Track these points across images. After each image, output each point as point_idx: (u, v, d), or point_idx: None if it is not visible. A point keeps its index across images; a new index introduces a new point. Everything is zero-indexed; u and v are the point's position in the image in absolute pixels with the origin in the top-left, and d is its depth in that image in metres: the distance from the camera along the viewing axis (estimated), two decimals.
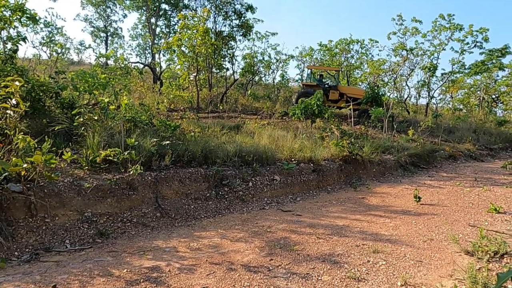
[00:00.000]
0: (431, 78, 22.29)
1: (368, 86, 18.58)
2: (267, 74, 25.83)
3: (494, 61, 23.11)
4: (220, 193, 6.00)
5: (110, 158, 5.17)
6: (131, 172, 5.09)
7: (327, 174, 7.69)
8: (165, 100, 13.68)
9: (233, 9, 18.63)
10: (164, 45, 14.99)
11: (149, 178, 5.40)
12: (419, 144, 10.81)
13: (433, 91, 23.09)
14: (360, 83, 26.64)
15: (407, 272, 3.43)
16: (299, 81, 26.16)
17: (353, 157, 8.39)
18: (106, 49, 29.95)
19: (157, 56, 23.52)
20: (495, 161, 12.14)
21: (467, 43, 20.60)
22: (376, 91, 15.11)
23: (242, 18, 18.99)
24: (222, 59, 19.25)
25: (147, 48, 31.34)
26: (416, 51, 21.76)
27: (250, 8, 18.83)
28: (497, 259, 3.60)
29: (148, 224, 4.88)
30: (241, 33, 19.64)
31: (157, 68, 21.17)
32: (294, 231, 4.68)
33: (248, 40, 21.73)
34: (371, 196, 6.87)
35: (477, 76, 26.11)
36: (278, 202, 6.31)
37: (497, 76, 27.29)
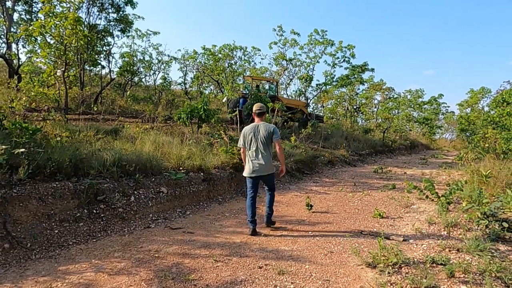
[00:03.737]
0: (307, 87, 23.92)
1: (249, 93, 18.90)
2: (148, 75, 24.38)
3: (356, 76, 26.08)
4: (95, 211, 4.96)
5: None
6: None
7: (218, 183, 7.21)
8: (24, 98, 11.41)
9: (110, 1, 16.87)
10: (23, 31, 12.54)
11: None
12: (303, 150, 11.19)
13: (309, 100, 24.77)
14: (243, 90, 27.13)
15: None
16: (181, 84, 25.28)
17: (243, 164, 8.09)
18: None
19: (14, 46, 19.92)
20: (365, 165, 13.41)
21: (338, 58, 22.71)
22: (260, 97, 15.34)
23: (121, 12, 17.35)
24: (96, 55, 17.23)
25: (1, 36, 26.48)
26: (294, 62, 23.09)
27: (129, 2, 17.32)
28: (397, 269, 3.58)
29: None
30: (119, 29, 17.94)
31: (14, 60, 17.85)
32: (188, 254, 4.04)
33: (128, 37, 20.10)
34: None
35: (343, 89, 29.22)
36: (165, 218, 5.55)
37: (358, 89, 31.04)
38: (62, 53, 11.79)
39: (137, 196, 5.57)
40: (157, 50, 22.58)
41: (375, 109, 33.72)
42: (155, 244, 4.31)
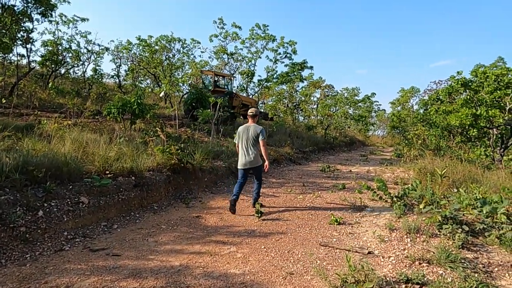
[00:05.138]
0: (249, 83, 23.32)
1: (189, 87, 17.95)
2: (76, 66, 22.05)
3: (295, 73, 26.08)
4: None
5: None
6: None
7: (152, 189, 6.22)
8: None
9: None
10: None
11: None
12: None
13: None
14: (182, 84, 25.82)
15: None
16: (114, 77, 23.31)
17: (183, 165, 7.19)
18: None
19: None
20: (309, 163, 13.07)
21: (280, 53, 22.38)
22: (201, 92, 14.45)
23: None
24: (12, 41, 15.00)
25: None
26: (236, 56, 22.34)
27: None
28: None
29: None
30: (39, 11, 15.80)
31: None
32: None
33: (50, 22, 17.89)
34: (207, 213, 5.79)
35: (283, 86, 29.15)
36: (85, 236, 4.49)
37: (298, 86, 31.22)
38: None
39: (47, 210, 4.44)
40: (85, 39, 20.43)
41: (315, 106, 34.17)
42: (66, 276, 3.29)
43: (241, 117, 17.84)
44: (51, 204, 4.54)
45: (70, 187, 5.00)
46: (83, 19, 19.69)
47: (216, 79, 17.72)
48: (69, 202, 4.75)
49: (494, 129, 12.12)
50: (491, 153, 11.79)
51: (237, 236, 4.67)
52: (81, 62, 21.43)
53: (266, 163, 5.89)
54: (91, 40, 20.68)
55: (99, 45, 21.37)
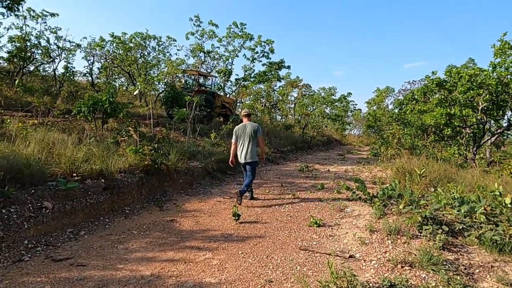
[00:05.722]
0: (226, 82, 23.04)
1: (165, 86, 17.53)
2: (45, 63, 21.11)
3: (273, 72, 25.99)
4: None
5: None
6: None
7: (124, 191, 5.91)
8: None
9: None
10: None
11: None
12: (225, 148, 10.25)
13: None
14: (158, 83, 25.24)
15: None
16: (87, 75, 22.52)
17: (157, 166, 6.89)
18: None
19: None
20: (287, 163, 12.95)
21: (257, 52, 22.19)
22: (176, 91, 14.10)
23: None
24: None
25: None
26: (213, 55, 22.01)
27: None
28: None
29: None
30: (4, 5, 15.02)
31: None
32: None
33: (17, 16, 17.08)
34: (182, 216, 5.53)
35: (261, 85, 29.03)
36: (48, 244, 4.15)
37: (275, 85, 31.17)
38: None
39: (5, 217, 4.07)
40: (55, 35, 19.57)
41: (292, 106, 34.22)
42: None
43: (220, 117, 17.63)
44: (10, 210, 4.18)
45: (32, 191, 4.64)
46: (52, 14, 18.87)
47: (199, 78, 17.51)
48: (31, 208, 4.40)
49: (467, 128, 12.37)
50: (464, 152, 12.02)
51: (213, 241, 4.45)
52: (51, 59, 20.55)
53: (263, 155, 6.89)
54: (61, 37, 19.85)
55: (70, 41, 20.48)
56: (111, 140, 7.64)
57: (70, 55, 21.19)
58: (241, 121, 6.78)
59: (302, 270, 3.53)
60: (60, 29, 20.71)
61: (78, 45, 21.20)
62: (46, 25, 19.62)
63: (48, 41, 19.14)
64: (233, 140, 6.58)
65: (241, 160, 6.48)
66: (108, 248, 4.10)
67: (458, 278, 3.38)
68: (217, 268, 3.60)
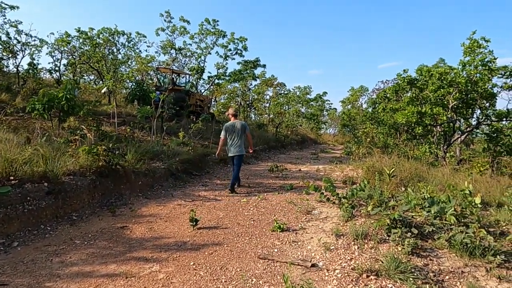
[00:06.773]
0: (198, 80, 22.50)
1: (135, 83, 16.86)
2: (6, 58, 19.89)
3: (248, 71, 25.64)
4: None
5: None
6: None
7: (72, 196, 5.37)
8: None
9: None
10: None
11: None
12: (191, 148, 9.78)
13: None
14: (128, 81, 24.38)
15: None
16: (52, 72, 21.45)
17: (113, 167, 6.37)
18: None
19: None
20: (259, 163, 12.58)
21: (230, 50, 21.76)
22: (143, 88, 13.54)
23: None
24: None
25: None
26: (184, 52, 21.43)
27: None
28: None
29: None
30: None
31: None
32: None
33: None
34: (135, 222, 5.06)
35: (236, 84, 28.60)
36: None
37: (251, 84, 30.82)
38: None
39: None
40: (16, 29, 18.46)
41: (267, 105, 33.94)
42: None
43: (195, 115, 17.09)
44: None
45: None
46: (12, 7, 17.80)
47: (173, 76, 16.96)
48: None
49: (438, 127, 12.37)
50: (435, 150, 12.01)
51: (164, 250, 4.01)
52: (12, 55, 19.39)
53: (251, 147, 7.84)
54: (22, 31, 18.76)
55: (31, 36, 19.37)
56: (62, 140, 7.04)
57: (36, 51, 20.10)
58: (229, 120, 7.48)
59: (258, 284, 3.16)
60: (21, 22, 19.57)
61: (42, 40, 20.13)
62: (5, 18, 18.43)
63: (7, 35, 18.08)
64: (222, 136, 7.32)
65: (231, 153, 7.24)
66: (41, 262, 3.60)
67: (427, 287, 3.11)
68: (162, 283, 3.18)
